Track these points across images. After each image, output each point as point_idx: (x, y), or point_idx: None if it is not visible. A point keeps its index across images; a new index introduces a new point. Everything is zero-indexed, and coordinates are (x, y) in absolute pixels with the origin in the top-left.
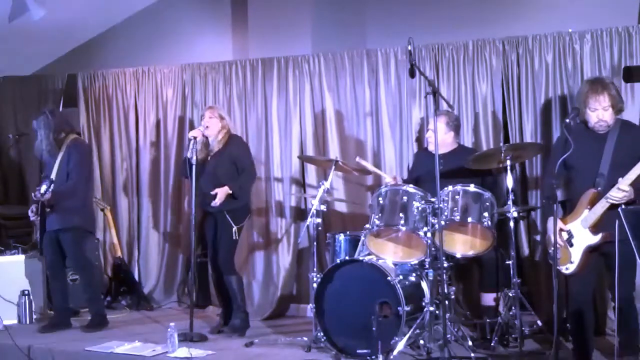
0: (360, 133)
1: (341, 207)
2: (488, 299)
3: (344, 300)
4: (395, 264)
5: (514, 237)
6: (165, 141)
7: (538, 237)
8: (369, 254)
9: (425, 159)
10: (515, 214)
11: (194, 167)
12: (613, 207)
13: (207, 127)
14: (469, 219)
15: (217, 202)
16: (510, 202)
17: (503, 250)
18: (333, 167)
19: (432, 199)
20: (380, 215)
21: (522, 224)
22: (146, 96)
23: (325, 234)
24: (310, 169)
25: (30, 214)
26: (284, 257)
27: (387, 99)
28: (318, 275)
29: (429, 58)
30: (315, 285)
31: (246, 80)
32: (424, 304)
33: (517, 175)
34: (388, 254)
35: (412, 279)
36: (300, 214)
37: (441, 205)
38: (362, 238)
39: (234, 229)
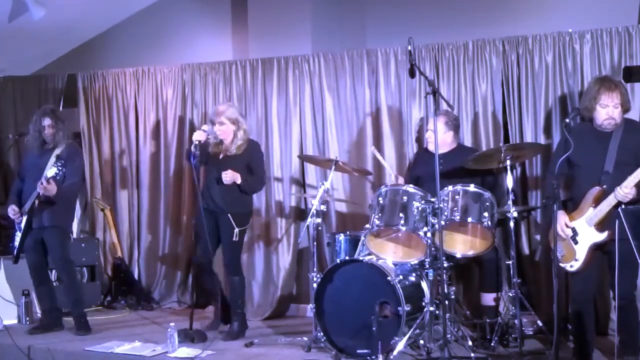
0: (360, 133)
1: (341, 207)
2: (488, 299)
3: (344, 300)
4: (395, 264)
5: (514, 237)
6: (165, 141)
7: (538, 237)
8: (369, 254)
9: (425, 158)
10: (515, 214)
11: (200, 171)
12: (618, 205)
13: (220, 133)
14: (469, 219)
15: (227, 180)
16: (510, 202)
17: (503, 250)
18: (333, 167)
19: (432, 199)
20: (380, 215)
21: (522, 224)
22: (146, 96)
23: (325, 234)
24: (310, 169)
25: (10, 212)
26: (284, 257)
27: (387, 99)
28: (318, 275)
29: (429, 58)
30: (315, 285)
31: (246, 80)
32: (424, 304)
33: (517, 175)
34: (388, 254)
35: (412, 279)
36: (300, 214)
37: (441, 205)
38: (362, 238)
39: (236, 230)
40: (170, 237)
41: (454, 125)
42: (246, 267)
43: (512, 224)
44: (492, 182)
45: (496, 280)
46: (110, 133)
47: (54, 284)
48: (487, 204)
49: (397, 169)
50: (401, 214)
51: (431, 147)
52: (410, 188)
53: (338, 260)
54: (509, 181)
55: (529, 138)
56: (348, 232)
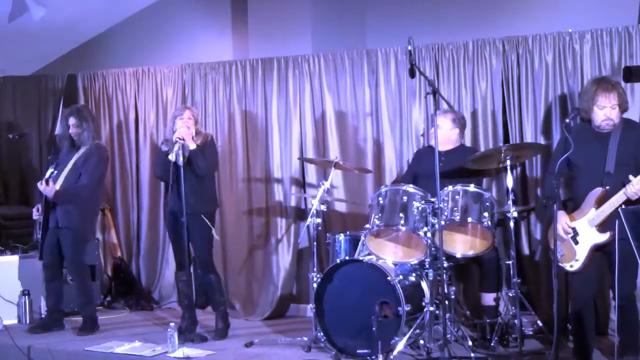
0: (360, 133)
1: (341, 207)
2: (488, 299)
3: (344, 300)
4: (395, 264)
5: (514, 237)
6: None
7: (538, 237)
8: (369, 254)
9: (427, 155)
10: (515, 214)
11: (182, 169)
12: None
13: (187, 127)
14: (469, 219)
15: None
16: (510, 202)
17: (503, 250)
18: (333, 168)
19: (432, 199)
20: (380, 215)
21: (522, 224)
22: (146, 96)
23: (325, 234)
24: (311, 169)
25: (34, 212)
26: (284, 257)
27: (387, 99)
28: (318, 275)
29: (429, 58)
30: (315, 285)
31: (246, 80)
32: (424, 304)
33: (517, 175)
34: (388, 254)
35: (412, 279)
36: (300, 213)
37: (441, 205)
38: (362, 238)
39: (213, 230)
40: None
41: (461, 124)
42: (246, 267)
43: (512, 224)
44: (492, 183)
45: (496, 280)
46: (110, 133)
47: (67, 283)
48: (487, 204)
49: (396, 168)
50: (401, 214)
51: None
52: (410, 188)
53: (338, 260)
54: (509, 181)
55: (529, 138)
56: (348, 232)
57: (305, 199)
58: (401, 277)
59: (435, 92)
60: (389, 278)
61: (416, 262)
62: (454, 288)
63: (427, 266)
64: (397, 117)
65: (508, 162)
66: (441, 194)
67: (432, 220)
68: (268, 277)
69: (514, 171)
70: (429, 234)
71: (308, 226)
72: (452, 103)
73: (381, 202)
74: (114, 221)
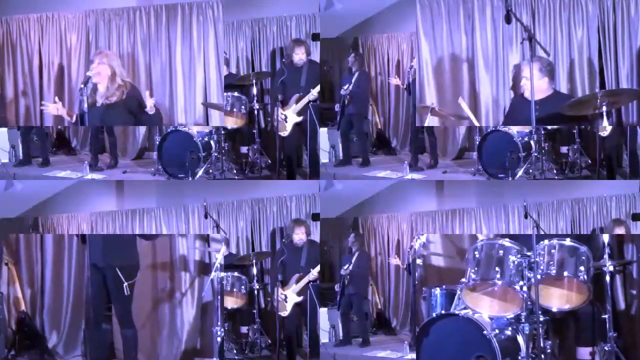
0: (457, 78)
1: (438, 261)
2: (584, 352)
3: (440, 354)
4: (491, 318)
5: (610, 291)
6: (69, 87)
7: (634, 291)
8: (465, 308)
9: (520, 105)
10: (611, 268)
11: None
12: None
13: (98, 73)
14: (565, 273)
15: None
16: (606, 256)
17: (599, 304)
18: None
19: (528, 253)
20: (476, 269)
21: (618, 278)
22: (50, 42)
23: (422, 287)
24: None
25: None
26: (188, 311)
27: (482, 45)
28: (221, 330)
29: (525, 4)
30: (219, 339)
31: (150, 26)
32: (520, 357)
33: (613, 121)
34: (484, 308)
35: (508, 332)
36: (204, 267)
37: (537, 259)
38: (458, 292)
39: (125, 284)
40: (75, 288)
41: (548, 71)
42: (150, 321)
43: (608, 278)
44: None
45: (592, 334)
46: (14, 79)
47: None
48: (583, 257)
49: (492, 114)
50: (497, 268)
51: (527, 94)
52: (507, 242)
53: (434, 314)
54: (605, 237)
55: (624, 84)
56: (444, 286)
57: (209, 252)
58: (497, 331)
59: (531, 39)
60: (485, 332)
61: (512, 315)
62: (549, 342)
63: (523, 320)
64: (494, 63)
65: (604, 108)
66: (537, 248)
67: (528, 274)
68: (172, 330)
69: (610, 117)
70: (524, 288)
71: (212, 280)
72: (547, 49)
73: (477, 255)
74: (17, 275)
